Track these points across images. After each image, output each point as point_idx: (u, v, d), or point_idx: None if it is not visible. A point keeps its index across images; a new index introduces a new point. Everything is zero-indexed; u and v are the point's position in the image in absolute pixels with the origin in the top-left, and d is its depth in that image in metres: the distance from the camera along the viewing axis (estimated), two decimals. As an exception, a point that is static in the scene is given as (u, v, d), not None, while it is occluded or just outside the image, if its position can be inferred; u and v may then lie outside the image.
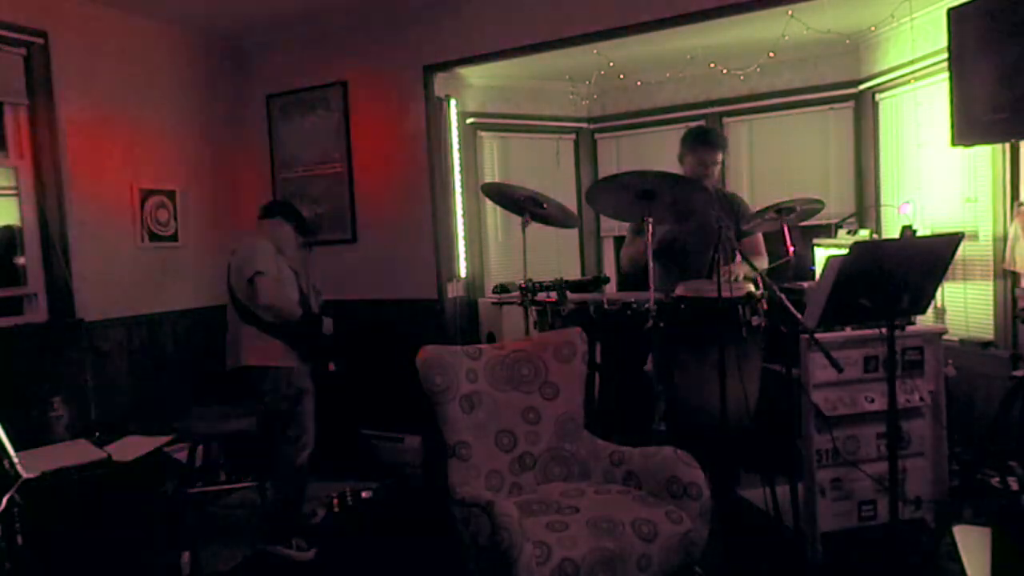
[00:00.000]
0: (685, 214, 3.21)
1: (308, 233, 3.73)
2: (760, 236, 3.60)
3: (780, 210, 3.19)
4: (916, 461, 3.01)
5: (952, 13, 3.19)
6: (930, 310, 3.13)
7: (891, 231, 4.27)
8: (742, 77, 4.78)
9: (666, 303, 3.10)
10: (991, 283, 3.55)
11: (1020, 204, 3.28)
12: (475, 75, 4.91)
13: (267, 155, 5.14)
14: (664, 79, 5.09)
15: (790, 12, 3.84)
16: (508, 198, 3.62)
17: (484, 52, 4.40)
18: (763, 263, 3.55)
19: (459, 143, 4.78)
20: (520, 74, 5.00)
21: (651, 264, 2.97)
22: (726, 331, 2.94)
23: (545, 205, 3.52)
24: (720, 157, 3.53)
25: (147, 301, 4.51)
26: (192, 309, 4.69)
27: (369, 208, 4.81)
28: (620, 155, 5.44)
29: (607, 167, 5.44)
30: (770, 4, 3.70)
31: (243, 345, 3.40)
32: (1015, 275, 3.36)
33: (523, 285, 3.43)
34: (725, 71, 4.79)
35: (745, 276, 3.30)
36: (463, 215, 4.78)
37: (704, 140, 3.53)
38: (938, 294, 3.74)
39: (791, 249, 3.21)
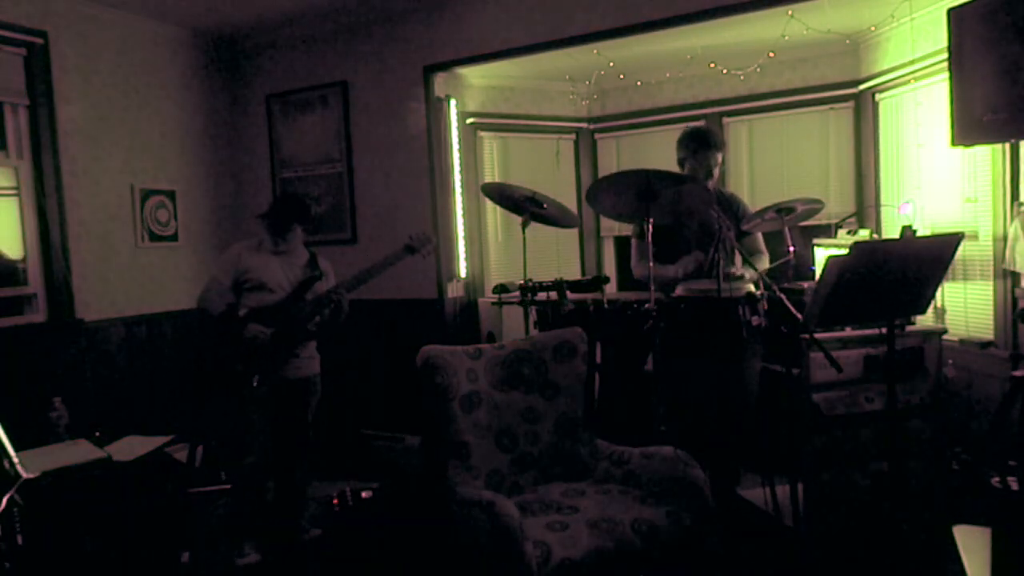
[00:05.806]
0: (685, 214, 3.20)
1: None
2: (760, 235, 3.60)
3: (780, 210, 3.19)
4: (916, 461, 3.01)
5: (952, 13, 3.19)
6: (930, 310, 3.13)
7: (891, 231, 4.26)
8: (742, 77, 4.77)
9: (666, 303, 3.11)
10: (991, 283, 3.55)
11: (1020, 204, 3.28)
12: (475, 75, 4.90)
13: (267, 155, 5.14)
14: (664, 79, 5.08)
15: (790, 12, 3.84)
16: (508, 198, 3.62)
17: (484, 52, 4.41)
18: (764, 262, 3.55)
19: (459, 143, 4.77)
20: (520, 74, 5.00)
21: (652, 264, 2.97)
22: (726, 331, 2.94)
23: (545, 205, 3.52)
24: (720, 158, 3.53)
25: (147, 301, 4.51)
26: (192, 309, 4.67)
27: (369, 208, 4.81)
28: (620, 155, 5.44)
29: (607, 167, 5.43)
30: (770, 4, 3.70)
31: None
32: (1015, 275, 3.36)
33: (523, 285, 3.44)
34: (725, 71, 4.79)
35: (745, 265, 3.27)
36: (463, 215, 4.78)
37: (704, 143, 3.50)
38: (938, 294, 3.74)
39: (791, 249, 3.21)
